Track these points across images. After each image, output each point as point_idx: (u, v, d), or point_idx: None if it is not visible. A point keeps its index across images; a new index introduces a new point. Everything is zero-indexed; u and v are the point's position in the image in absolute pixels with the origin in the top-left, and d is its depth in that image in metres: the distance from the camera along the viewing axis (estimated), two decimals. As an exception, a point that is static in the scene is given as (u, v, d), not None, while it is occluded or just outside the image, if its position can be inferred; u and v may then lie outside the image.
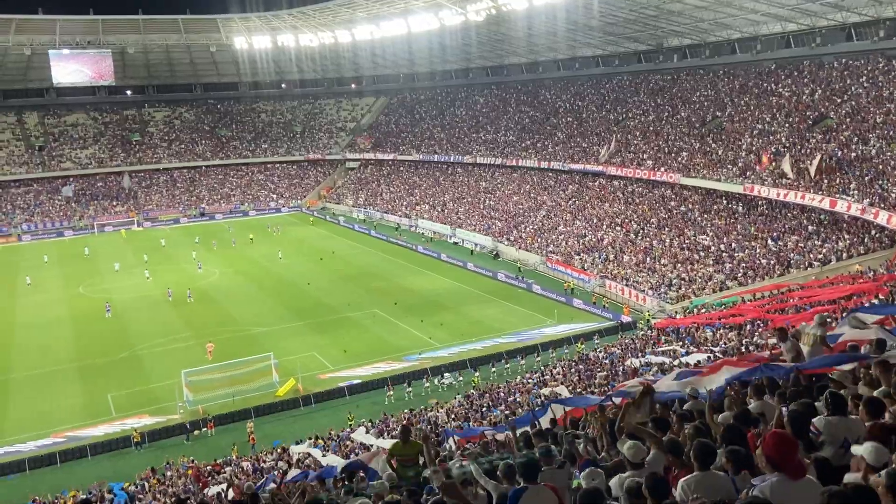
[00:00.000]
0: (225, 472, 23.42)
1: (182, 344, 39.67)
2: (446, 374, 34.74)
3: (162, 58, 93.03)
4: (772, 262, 40.20)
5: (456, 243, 65.36)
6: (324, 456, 22.49)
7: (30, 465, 27.72)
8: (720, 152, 50.93)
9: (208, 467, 24.95)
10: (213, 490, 19.42)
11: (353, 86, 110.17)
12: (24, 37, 77.76)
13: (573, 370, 31.87)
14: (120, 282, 54.65)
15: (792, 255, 39.94)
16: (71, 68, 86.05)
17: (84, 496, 22.76)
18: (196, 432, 30.29)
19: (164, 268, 58.73)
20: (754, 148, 48.37)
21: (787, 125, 48.71)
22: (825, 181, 40.82)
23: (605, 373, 29.08)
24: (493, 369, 35.46)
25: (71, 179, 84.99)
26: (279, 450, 26.22)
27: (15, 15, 73.62)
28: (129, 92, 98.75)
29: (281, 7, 78.90)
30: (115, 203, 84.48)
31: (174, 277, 55.28)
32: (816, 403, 5.63)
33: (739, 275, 40.45)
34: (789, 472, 3.90)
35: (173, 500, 18.82)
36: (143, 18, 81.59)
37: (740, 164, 47.78)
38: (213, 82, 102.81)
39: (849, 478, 4.12)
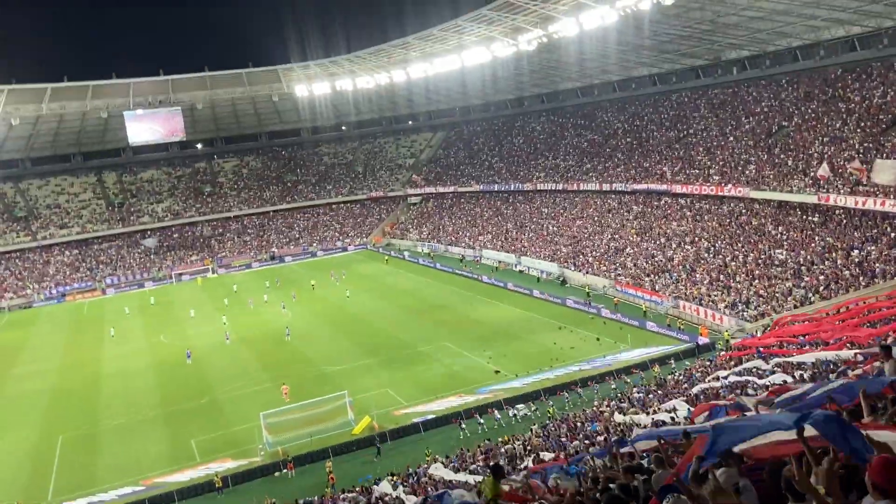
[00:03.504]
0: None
1: (259, 386, 40.58)
2: (519, 406, 34.31)
3: (228, 110, 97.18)
4: (855, 273, 38.37)
5: (521, 271, 65.03)
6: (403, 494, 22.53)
7: (122, 511, 28.67)
8: (790, 163, 49.29)
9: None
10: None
11: (409, 123, 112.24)
12: (101, 101, 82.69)
13: (651, 395, 31.01)
14: (197, 328, 56.54)
15: (877, 264, 38.03)
16: (145, 127, 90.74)
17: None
18: (277, 473, 30.77)
19: (237, 311, 60.48)
20: (826, 156, 46.59)
21: (859, 130, 46.81)
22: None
23: (683, 397, 28.16)
24: (568, 398, 34.86)
25: (149, 232, 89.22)
26: (359, 489, 26.35)
27: (91, 81, 78.50)
28: (199, 145, 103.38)
29: (339, 52, 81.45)
30: (190, 252, 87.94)
31: (248, 320, 56.94)
32: None
33: (822, 288, 38.73)
34: None
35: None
36: (209, 75, 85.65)
37: (812, 174, 46.08)
38: (277, 130, 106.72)
39: None
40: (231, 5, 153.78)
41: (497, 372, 39.17)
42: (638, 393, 32.36)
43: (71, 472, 32.56)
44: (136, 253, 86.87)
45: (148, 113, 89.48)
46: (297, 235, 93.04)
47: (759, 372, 27.47)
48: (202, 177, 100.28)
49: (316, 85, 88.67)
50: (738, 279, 44.29)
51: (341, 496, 26.15)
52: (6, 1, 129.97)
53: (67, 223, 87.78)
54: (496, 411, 33.93)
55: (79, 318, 67.30)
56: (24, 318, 70.15)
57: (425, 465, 27.82)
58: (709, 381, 29.46)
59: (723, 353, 35.69)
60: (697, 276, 47.47)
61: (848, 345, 26.80)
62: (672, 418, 22.74)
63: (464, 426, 32.75)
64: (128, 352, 51.87)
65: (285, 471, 30.77)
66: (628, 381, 35.83)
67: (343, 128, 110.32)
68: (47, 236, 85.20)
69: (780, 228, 47.02)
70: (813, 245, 43.22)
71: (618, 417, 27.54)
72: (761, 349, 33.10)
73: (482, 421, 33.16)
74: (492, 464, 19.73)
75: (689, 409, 21.94)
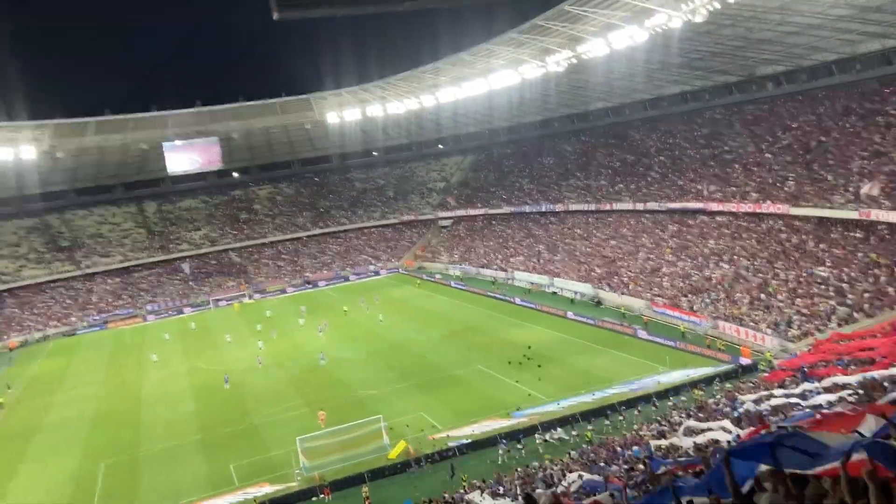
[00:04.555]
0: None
1: (296, 411, 40.76)
2: (558, 429, 33.85)
3: (262, 139, 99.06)
4: (902, 289, 37.25)
5: (555, 293, 64.51)
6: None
7: (162, 536, 28.83)
8: (830, 178, 48.30)
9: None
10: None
11: (439, 146, 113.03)
12: (141, 133, 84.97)
13: (693, 419, 30.30)
14: (234, 353, 57.16)
15: (924, 280, 36.88)
16: (183, 158, 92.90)
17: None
18: (314, 498, 30.71)
19: (271, 336, 60.91)
20: (867, 171, 45.60)
21: (900, 143, 45.77)
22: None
23: (728, 419, 27.45)
24: (608, 422, 34.28)
25: (187, 259, 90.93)
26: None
27: (131, 114, 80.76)
28: (235, 174, 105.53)
29: (371, 78, 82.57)
30: (227, 279, 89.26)
31: (283, 345, 57.41)
32: None
33: (866, 306, 37.65)
34: None
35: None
36: (244, 105, 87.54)
37: (852, 189, 45.09)
38: (310, 157, 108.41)
39: None
40: (265, 35, 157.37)
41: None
42: (679, 416, 31.68)
43: (112, 497, 32.94)
44: (175, 280, 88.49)
45: (186, 143, 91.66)
46: (330, 260, 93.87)
47: (805, 393, 26.70)
48: (238, 204, 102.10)
49: (347, 112, 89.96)
50: (779, 298, 43.30)
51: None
52: (51, 41, 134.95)
53: (110, 252, 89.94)
54: (536, 435, 33.49)
55: (120, 344, 68.57)
56: (68, 345, 71.77)
57: (462, 492, 27.52)
58: (752, 403, 28.72)
59: (766, 374, 34.82)
60: (737, 295, 46.54)
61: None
62: (716, 440, 22.18)
63: (501, 451, 32.34)
64: (168, 377, 52.62)
65: (322, 496, 30.69)
66: (669, 403, 35.12)
67: (374, 153, 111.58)
68: (90, 265, 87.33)
69: (821, 245, 45.96)
70: (856, 262, 42.13)
71: (654, 443, 26.91)
72: (805, 369, 32.23)
73: (521, 445, 32.76)
74: (524, 493, 19.44)
75: (737, 432, 21.34)
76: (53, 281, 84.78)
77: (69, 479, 35.65)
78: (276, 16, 43.98)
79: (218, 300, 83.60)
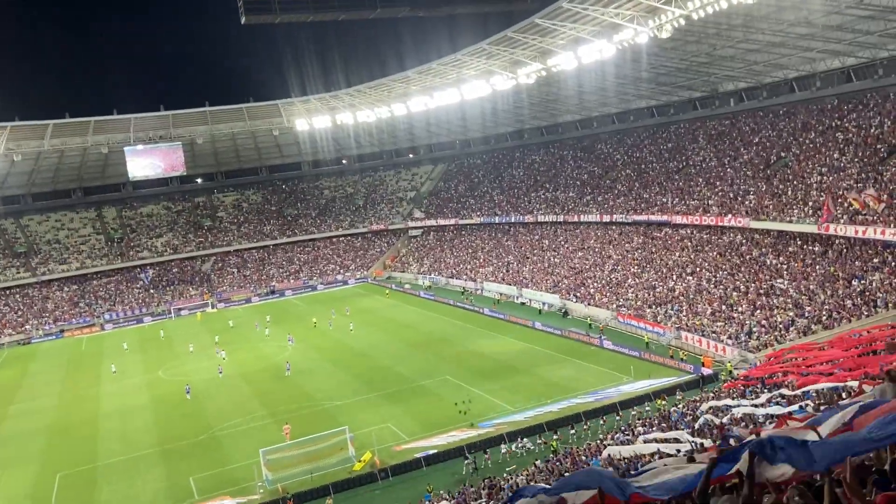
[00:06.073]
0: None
1: (259, 423, 40.08)
2: (524, 439, 33.85)
3: (229, 145, 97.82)
4: (857, 302, 38.17)
5: (523, 303, 64.76)
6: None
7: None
8: (789, 193, 49.42)
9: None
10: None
11: (410, 156, 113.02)
12: (102, 136, 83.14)
13: (656, 428, 30.56)
14: (196, 363, 56.08)
15: (878, 294, 37.84)
16: (145, 162, 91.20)
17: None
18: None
19: (234, 347, 59.90)
20: (825, 185, 46.76)
21: (856, 160, 47.04)
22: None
23: (689, 430, 27.75)
24: (573, 431, 34.40)
25: (148, 268, 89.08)
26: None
27: (92, 117, 78.99)
28: (199, 180, 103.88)
29: (339, 87, 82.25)
30: (189, 287, 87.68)
31: (246, 356, 56.51)
32: None
33: (824, 318, 38.49)
34: None
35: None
36: (209, 110, 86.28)
37: (811, 203, 46.20)
38: (278, 164, 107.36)
39: None
40: (231, 41, 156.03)
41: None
42: (642, 426, 31.92)
43: (67, 511, 31.97)
44: (134, 288, 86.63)
45: (148, 148, 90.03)
46: (298, 269, 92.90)
47: (765, 403, 27.11)
48: (202, 211, 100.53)
49: (316, 119, 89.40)
50: (739, 310, 44.05)
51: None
52: (8, 39, 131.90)
53: (67, 259, 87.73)
54: (502, 445, 33.43)
55: (77, 354, 66.79)
56: (23, 354, 69.68)
57: (429, 503, 27.32)
58: (712, 413, 29.08)
59: (726, 383, 35.32)
60: (699, 306, 47.24)
61: (862, 375, 26.46)
62: (677, 450, 22.40)
63: (467, 460, 32.17)
64: (127, 388, 51.32)
65: (287, 509, 30.18)
66: (633, 412, 35.41)
67: (344, 161, 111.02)
68: (46, 272, 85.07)
69: (780, 258, 46.94)
70: (814, 275, 43.09)
71: (613, 451, 26.99)
72: (765, 379, 32.76)
73: (488, 455, 32.66)
74: None
75: (697, 442, 21.57)
76: (8, 288, 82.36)
77: (24, 491, 34.50)
78: (244, 20, 43.57)
79: (179, 309, 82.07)
